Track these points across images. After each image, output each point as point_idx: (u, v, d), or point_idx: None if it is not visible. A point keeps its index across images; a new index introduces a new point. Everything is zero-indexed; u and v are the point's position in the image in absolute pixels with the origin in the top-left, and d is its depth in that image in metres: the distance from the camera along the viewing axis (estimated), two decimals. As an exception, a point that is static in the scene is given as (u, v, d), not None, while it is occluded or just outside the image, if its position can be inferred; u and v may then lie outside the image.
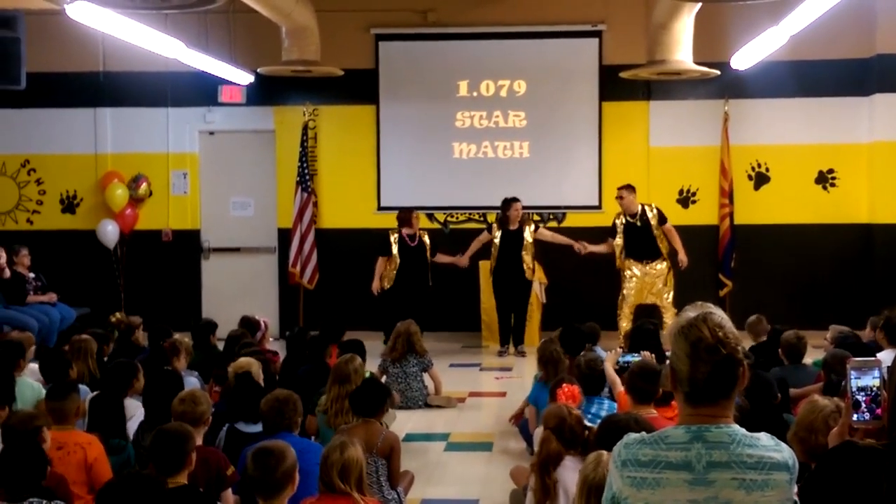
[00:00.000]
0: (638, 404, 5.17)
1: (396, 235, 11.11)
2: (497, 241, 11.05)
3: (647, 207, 10.79)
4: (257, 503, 4.07)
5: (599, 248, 11.04)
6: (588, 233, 11.48)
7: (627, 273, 10.78)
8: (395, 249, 11.04)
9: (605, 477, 3.53)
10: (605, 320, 10.43)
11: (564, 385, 5.62)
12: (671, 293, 10.71)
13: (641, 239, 10.70)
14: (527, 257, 11.03)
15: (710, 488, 2.46)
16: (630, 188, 10.83)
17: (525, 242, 11.03)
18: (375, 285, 11.09)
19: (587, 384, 6.04)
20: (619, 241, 10.78)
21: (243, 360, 6.54)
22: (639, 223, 10.71)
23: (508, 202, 11.07)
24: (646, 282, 10.75)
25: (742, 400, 5.23)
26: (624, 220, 10.77)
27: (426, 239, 11.22)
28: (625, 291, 10.81)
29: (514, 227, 11.06)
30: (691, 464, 2.47)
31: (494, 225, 11.23)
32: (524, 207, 11.80)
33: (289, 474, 4.02)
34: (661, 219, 10.79)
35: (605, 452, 3.72)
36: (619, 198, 10.81)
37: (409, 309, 10.64)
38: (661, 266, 10.75)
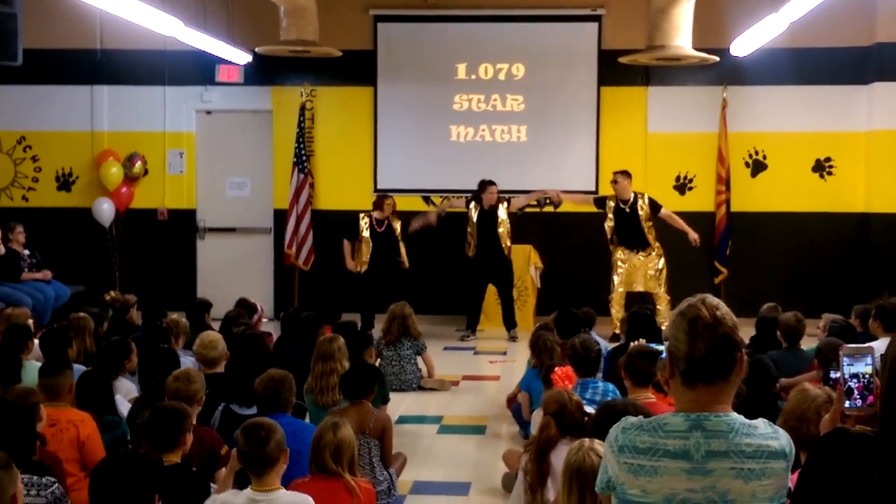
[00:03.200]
0: (636, 387, 5.17)
1: (367, 219, 11.03)
2: (474, 219, 10.99)
3: (639, 197, 10.74)
4: (250, 482, 4.07)
5: (573, 197, 11.36)
6: (584, 217, 11.47)
7: (618, 262, 10.79)
8: (366, 233, 10.96)
9: (585, 461, 3.57)
10: (601, 305, 10.45)
11: (557, 368, 5.62)
12: (664, 282, 10.71)
13: (630, 227, 10.69)
14: (504, 235, 10.98)
15: (709, 477, 2.46)
16: (626, 174, 10.80)
17: (500, 220, 10.97)
18: (351, 264, 11.04)
19: (581, 365, 6.03)
20: (609, 223, 10.78)
21: (212, 334, 6.58)
22: (628, 210, 10.69)
23: (484, 185, 11.05)
24: (636, 266, 10.75)
25: (740, 387, 5.23)
26: (614, 204, 10.77)
27: (396, 224, 11.07)
28: (615, 282, 10.81)
29: (487, 206, 11.02)
30: (689, 452, 2.47)
31: (472, 204, 11.15)
32: (522, 191, 11.82)
33: (279, 447, 4.01)
34: (655, 207, 10.76)
35: (587, 439, 3.74)
36: (614, 182, 10.78)
37: (383, 292, 10.65)
38: (652, 255, 10.75)
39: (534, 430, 5.59)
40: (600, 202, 10.92)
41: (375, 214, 11.07)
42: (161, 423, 4.29)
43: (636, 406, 4.06)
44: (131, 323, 8.47)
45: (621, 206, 10.73)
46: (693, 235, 10.76)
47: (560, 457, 4.61)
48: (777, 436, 2.52)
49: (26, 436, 4.24)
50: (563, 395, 4.76)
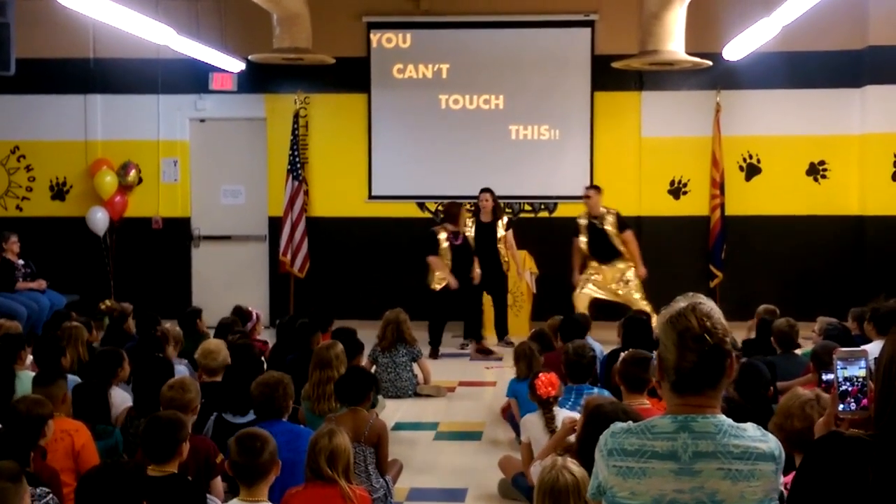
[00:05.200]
0: (630, 393, 5.17)
1: (445, 233, 10.55)
2: (471, 233, 10.83)
3: (608, 213, 10.80)
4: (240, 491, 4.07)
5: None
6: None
7: (590, 270, 10.90)
8: (445, 245, 10.52)
9: (559, 480, 3.62)
10: (597, 310, 10.47)
11: (541, 374, 5.61)
12: (640, 291, 10.76)
13: (601, 241, 10.76)
14: (502, 250, 10.89)
15: (696, 478, 2.47)
16: (597, 189, 10.91)
17: (499, 236, 10.87)
18: (453, 282, 10.42)
19: (574, 372, 6.03)
20: (583, 239, 10.82)
21: (214, 342, 6.58)
22: (598, 225, 10.76)
23: (478, 193, 11.02)
24: (608, 278, 10.84)
25: (731, 392, 5.24)
26: (587, 221, 10.83)
27: (470, 235, 10.79)
28: (580, 283, 10.89)
29: (486, 219, 10.87)
30: (677, 453, 2.48)
31: (469, 220, 11.01)
32: (517, 197, 11.83)
33: (272, 459, 4.03)
34: (622, 225, 10.82)
35: (560, 458, 3.78)
36: (587, 197, 10.84)
37: (453, 309, 10.66)
38: (624, 265, 10.82)
39: (523, 433, 5.61)
40: (575, 229, 10.89)
41: (450, 227, 10.64)
42: (157, 434, 4.27)
43: (626, 411, 4.07)
44: (128, 332, 8.45)
45: (593, 221, 10.80)
46: (640, 271, 10.77)
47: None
48: (766, 439, 2.53)
49: (23, 446, 4.21)
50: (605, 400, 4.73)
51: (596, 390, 5.97)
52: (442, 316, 10.67)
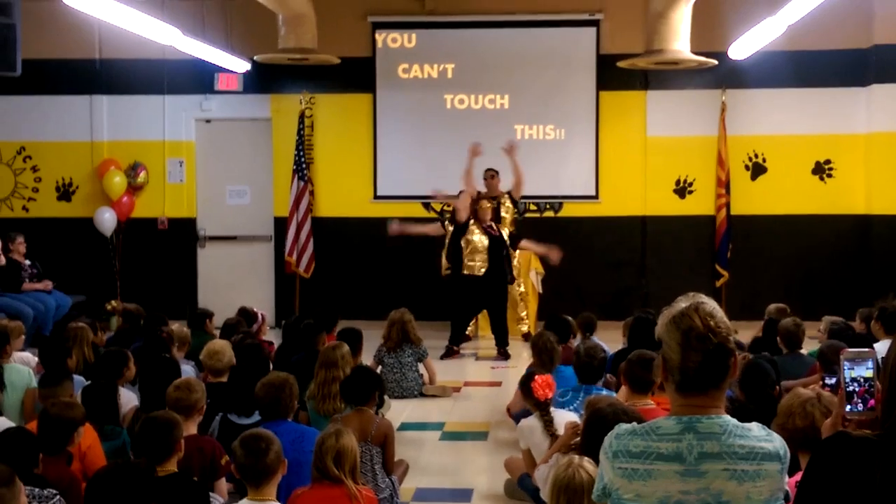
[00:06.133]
0: (635, 394, 5.16)
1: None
2: (450, 234, 10.68)
3: (504, 196, 10.92)
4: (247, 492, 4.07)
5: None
6: (585, 223, 11.48)
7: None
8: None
9: (575, 477, 3.61)
10: (603, 309, 10.45)
11: (538, 377, 5.58)
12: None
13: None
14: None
15: (702, 479, 2.46)
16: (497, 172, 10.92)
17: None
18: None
19: (585, 373, 6.01)
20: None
21: (219, 343, 6.59)
22: (495, 205, 10.77)
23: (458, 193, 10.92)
24: None
25: (736, 391, 5.23)
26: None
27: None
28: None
29: (461, 220, 10.45)
30: (682, 455, 2.48)
31: (447, 223, 10.92)
32: (522, 197, 11.80)
33: (278, 458, 4.03)
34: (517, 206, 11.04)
35: (577, 456, 3.77)
36: (492, 177, 10.87)
37: (478, 305, 10.66)
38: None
39: (522, 441, 5.56)
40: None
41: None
42: (153, 435, 4.27)
43: (625, 411, 4.06)
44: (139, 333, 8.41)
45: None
46: (554, 256, 10.72)
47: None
48: (771, 438, 2.53)
49: (32, 447, 4.20)
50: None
51: (605, 391, 5.96)
52: (467, 310, 10.62)
